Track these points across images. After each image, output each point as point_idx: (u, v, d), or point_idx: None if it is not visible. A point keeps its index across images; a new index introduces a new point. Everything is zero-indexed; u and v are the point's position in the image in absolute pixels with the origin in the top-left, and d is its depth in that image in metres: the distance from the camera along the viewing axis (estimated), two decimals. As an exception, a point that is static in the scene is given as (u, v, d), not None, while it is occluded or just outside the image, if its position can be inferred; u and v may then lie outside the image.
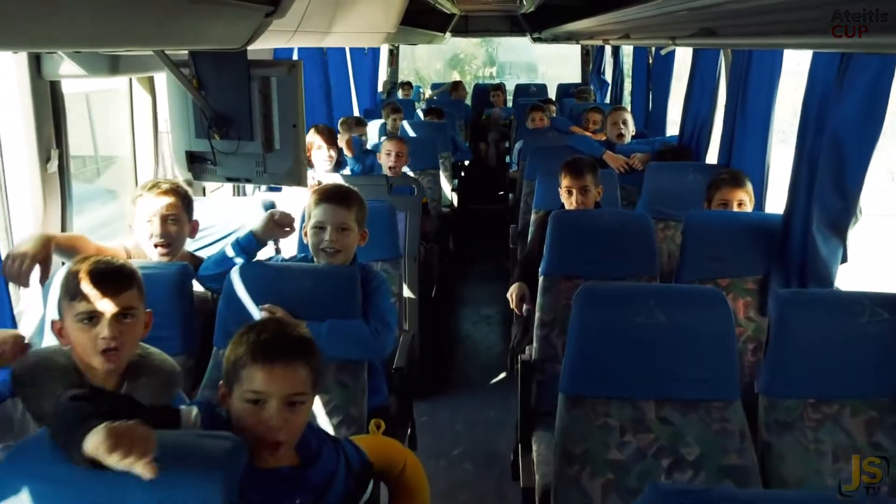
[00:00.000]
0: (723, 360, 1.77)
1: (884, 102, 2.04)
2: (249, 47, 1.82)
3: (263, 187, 3.34)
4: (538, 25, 7.37)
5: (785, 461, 1.78)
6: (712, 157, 3.73)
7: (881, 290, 1.87)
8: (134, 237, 2.19)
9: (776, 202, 3.01)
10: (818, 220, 2.30)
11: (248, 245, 2.07)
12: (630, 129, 4.27)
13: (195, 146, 2.06)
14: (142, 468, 1.06)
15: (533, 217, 3.70)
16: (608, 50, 7.24)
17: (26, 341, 1.60)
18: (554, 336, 2.52)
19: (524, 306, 2.82)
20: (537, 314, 2.57)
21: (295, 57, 4.24)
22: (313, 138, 3.79)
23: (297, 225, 2.19)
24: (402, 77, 9.28)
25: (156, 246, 2.14)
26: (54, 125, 2.05)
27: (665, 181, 3.36)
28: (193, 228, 2.26)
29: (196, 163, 2.10)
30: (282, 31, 2.49)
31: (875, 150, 2.14)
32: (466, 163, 6.39)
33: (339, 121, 5.25)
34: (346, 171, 4.07)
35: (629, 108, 5.16)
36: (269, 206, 2.86)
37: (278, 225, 2.08)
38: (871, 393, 1.80)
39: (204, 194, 3.04)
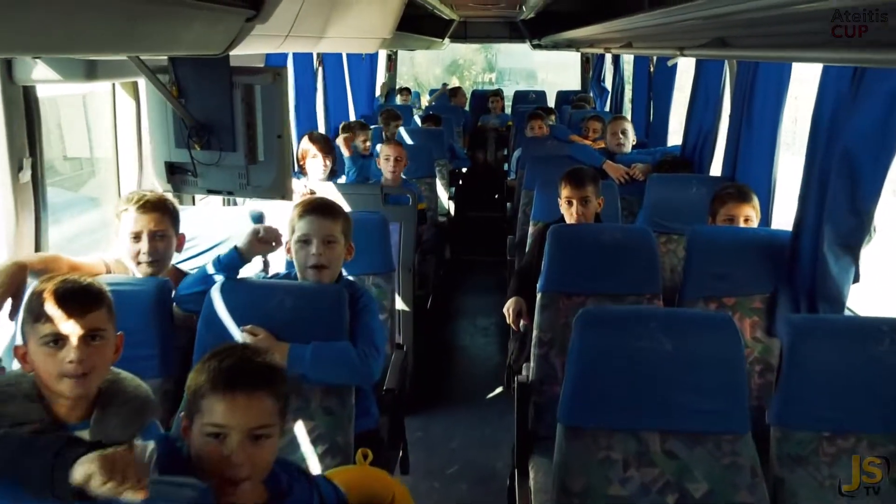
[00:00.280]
0: (733, 391, 1.66)
1: (900, 114, 1.95)
2: (235, 53, 1.73)
3: (253, 197, 3.24)
4: (538, 32, 7.30)
5: (798, 498, 1.68)
6: (715, 169, 3.64)
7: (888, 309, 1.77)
8: (116, 251, 2.10)
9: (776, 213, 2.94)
10: (829, 237, 2.22)
11: (231, 262, 1.97)
12: (630, 139, 4.18)
13: (175, 157, 1.95)
14: (133, 494, 1.04)
15: (531, 229, 3.61)
16: (608, 57, 7.16)
17: None
18: (552, 355, 2.43)
19: (521, 321, 2.73)
20: (535, 332, 2.47)
21: (290, 62, 4.16)
22: (308, 146, 3.70)
23: (284, 239, 2.09)
24: (400, 83, 9.19)
25: (141, 264, 2.07)
26: (28, 132, 1.94)
27: (667, 193, 3.27)
28: (180, 242, 2.19)
29: (176, 174, 2.00)
30: (271, 36, 2.40)
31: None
32: (464, 170, 6.30)
33: (342, 125, 5.17)
34: (341, 180, 3.97)
35: (629, 117, 5.07)
36: (258, 216, 2.76)
37: (263, 241, 1.99)
38: (890, 426, 1.69)
39: (193, 203, 2.93)
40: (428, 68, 13.68)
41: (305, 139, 3.74)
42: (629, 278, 2.45)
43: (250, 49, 2.48)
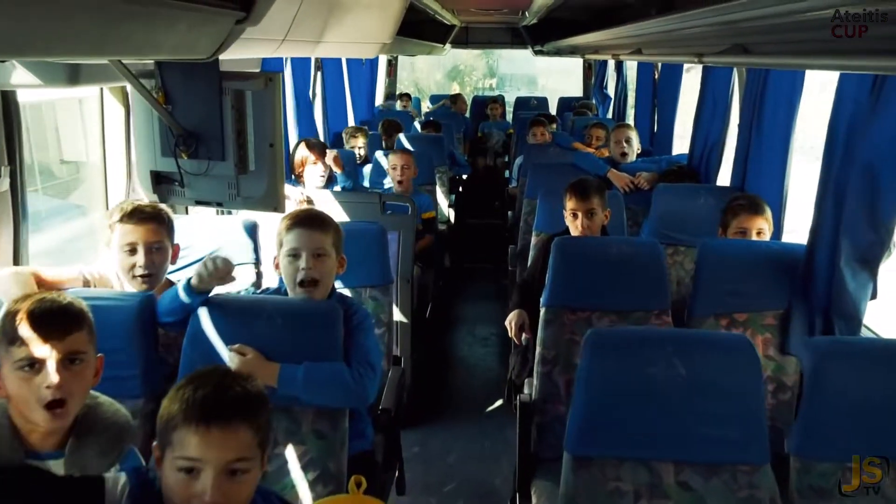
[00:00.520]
0: (751, 419, 1.56)
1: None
2: (227, 57, 1.64)
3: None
4: (540, 38, 7.21)
5: (820, 533, 1.58)
6: (722, 179, 3.55)
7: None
8: (106, 262, 2.01)
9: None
10: (846, 252, 2.13)
11: (183, 306, 1.82)
12: (635, 148, 4.08)
13: (161, 166, 1.85)
14: None
15: (534, 240, 3.52)
16: (611, 63, 7.07)
17: None
18: (556, 373, 2.34)
19: (523, 335, 2.64)
20: (538, 349, 2.38)
21: (287, 68, 4.07)
22: (306, 153, 3.63)
23: (272, 254, 1.98)
24: (401, 88, 9.11)
25: (137, 276, 1.98)
26: (6, 139, 1.85)
27: (674, 204, 3.17)
28: (175, 253, 2.10)
29: (162, 184, 1.90)
30: (266, 40, 2.30)
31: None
32: (464, 177, 6.22)
33: (344, 130, 5.10)
34: (337, 188, 3.88)
35: (633, 124, 4.98)
36: (251, 226, 2.67)
37: (216, 277, 1.80)
38: (919, 456, 1.59)
39: (186, 212, 2.83)
40: (429, 74, 13.64)
41: (303, 146, 3.66)
42: (637, 294, 2.36)
43: (243, 53, 2.38)
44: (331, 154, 4.02)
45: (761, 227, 2.53)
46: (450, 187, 5.46)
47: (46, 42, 1.05)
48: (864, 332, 2.24)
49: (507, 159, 7.07)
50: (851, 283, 2.15)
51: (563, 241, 2.48)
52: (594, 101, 7.68)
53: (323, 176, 3.63)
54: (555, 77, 12.14)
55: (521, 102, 8.90)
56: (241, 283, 2.52)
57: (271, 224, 2.53)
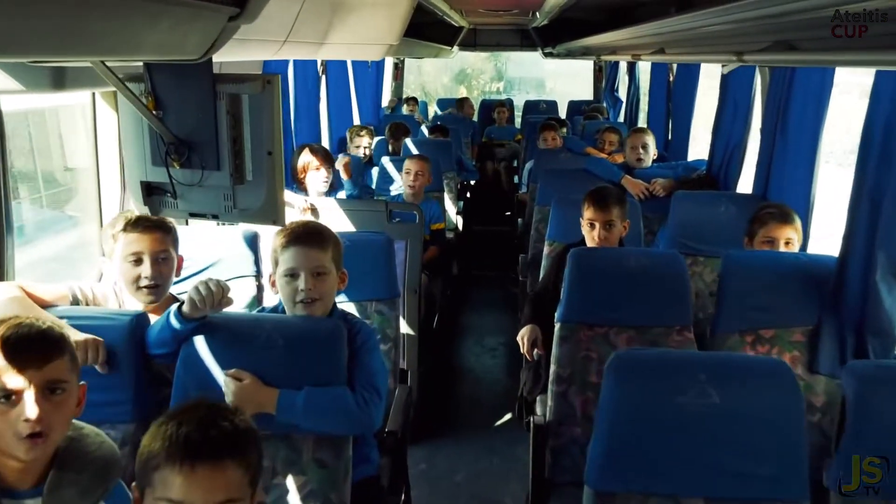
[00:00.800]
0: (790, 452, 1.44)
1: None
2: (225, 59, 1.53)
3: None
4: (551, 40, 7.09)
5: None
6: (743, 186, 3.41)
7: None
8: (98, 279, 1.90)
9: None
10: (882, 265, 2.02)
11: (173, 335, 1.69)
12: (651, 154, 3.94)
13: (152, 176, 1.73)
14: None
15: (547, 249, 3.39)
16: (623, 66, 6.93)
17: None
18: (572, 393, 2.22)
19: (535, 350, 2.51)
20: (552, 367, 2.25)
21: (290, 70, 3.96)
22: (310, 158, 3.53)
23: (268, 272, 1.86)
24: (407, 92, 9.00)
25: (142, 288, 1.89)
26: (-12, 148, 1.74)
27: (693, 212, 3.04)
28: (179, 264, 2.01)
29: (153, 195, 1.78)
30: (267, 41, 2.20)
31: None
32: (472, 182, 6.11)
33: (349, 129, 5.00)
34: (342, 195, 3.77)
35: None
36: (251, 236, 2.56)
37: (209, 303, 1.63)
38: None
39: (187, 223, 2.72)
40: (436, 77, 13.53)
41: (306, 151, 3.55)
42: (657, 309, 2.23)
43: (242, 55, 2.28)
44: (342, 160, 3.91)
45: (790, 237, 2.40)
46: (458, 194, 5.35)
47: (11, 40, 0.94)
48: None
49: (515, 164, 6.95)
50: (887, 299, 2.03)
51: (579, 252, 2.36)
52: (605, 105, 7.55)
53: (326, 182, 3.52)
54: (563, 80, 12.01)
55: (530, 106, 8.78)
56: (241, 299, 2.40)
57: (273, 234, 2.42)
